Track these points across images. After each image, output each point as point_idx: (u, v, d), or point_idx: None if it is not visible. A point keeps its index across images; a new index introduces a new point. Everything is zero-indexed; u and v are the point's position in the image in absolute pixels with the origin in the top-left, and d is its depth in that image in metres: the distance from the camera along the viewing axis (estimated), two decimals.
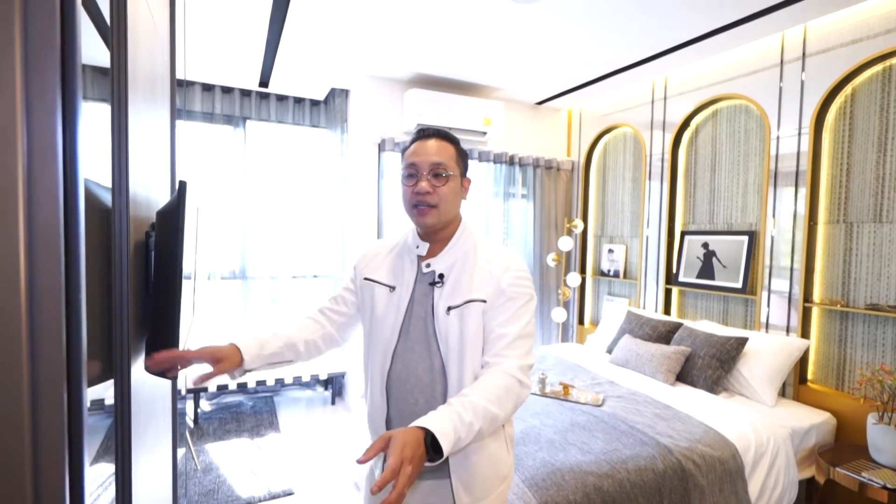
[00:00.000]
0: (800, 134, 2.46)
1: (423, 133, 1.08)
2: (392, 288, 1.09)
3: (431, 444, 0.80)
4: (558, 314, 3.74)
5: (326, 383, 3.74)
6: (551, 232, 3.90)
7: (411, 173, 1.05)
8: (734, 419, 2.09)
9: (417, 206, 1.04)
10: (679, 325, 2.83)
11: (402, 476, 0.73)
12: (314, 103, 3.75)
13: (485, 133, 3.47)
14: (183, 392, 3.20)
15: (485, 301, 1.01)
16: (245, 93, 3.51)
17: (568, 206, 4.02)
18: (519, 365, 0.97)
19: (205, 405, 3.48)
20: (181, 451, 2.74)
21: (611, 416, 2.08)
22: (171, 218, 0.97)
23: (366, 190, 3.30)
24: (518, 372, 0.97)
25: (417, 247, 1.12)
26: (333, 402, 3.60)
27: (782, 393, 2.50)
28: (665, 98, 3.21)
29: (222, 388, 3.45)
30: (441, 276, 1.06)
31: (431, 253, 1.10)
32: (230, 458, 2.73)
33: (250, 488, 2.41)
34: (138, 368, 0.96)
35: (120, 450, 0.90)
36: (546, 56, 2.89)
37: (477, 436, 0.89)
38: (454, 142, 1.08)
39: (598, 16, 2.36)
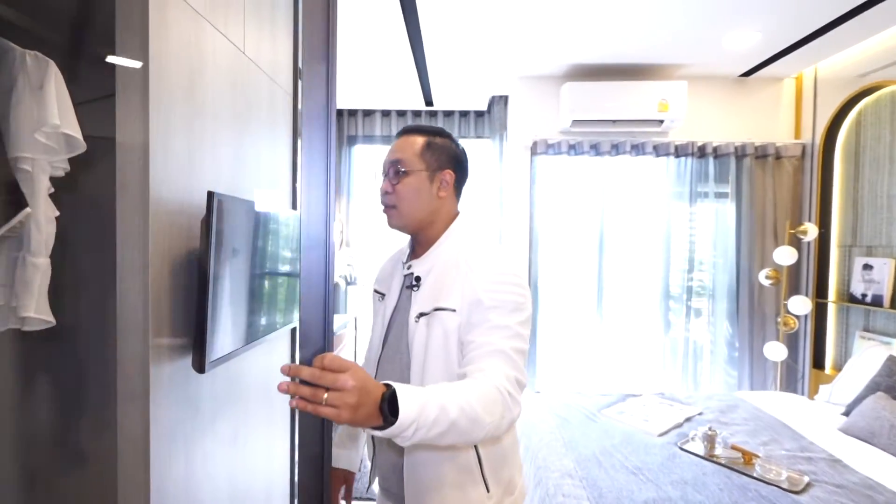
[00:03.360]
0: None
1: (399, 132, 1.02)
2: (382, 295, 1.06)
3: (389, 406, 0.63)
4: (774, 350, 2.78)
5: None
6: (766, 240, 2.95)
7: (380, 173, 1.02)
8: None
9: (383, 207, 0.99)
10: None
11: (333, 394, 0.57)
12: (478, 114, 3.79)
13: (661, 121, 2.87)
14: None
15: (454, 311, 0.89)
16: (416, 113, 3.80)
17: (795, 206, 2.98)
18: (507, 376, 0.79)
19: None
20: None
21: None
22: (204, 227, 1.07)
23: (518, 199, 3.14)
24: (506, 383, 0.78)
25: (403, 253, 1.07)
26: None
27: None
28: None
29: None
30: (418, 278, 0.98)
31: (416, 256, 1.02)
32: None
33: None
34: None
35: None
36: (751, 5, 2.19)
37: (450, 428, 0.67)
38: (426, 133, 0.99)
39: None
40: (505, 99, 3.48)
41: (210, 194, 1.06)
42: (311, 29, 0.68)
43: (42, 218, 0.88)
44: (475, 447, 0.91)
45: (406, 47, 2.64)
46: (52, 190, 0.92)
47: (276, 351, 1.71)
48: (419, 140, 0.97)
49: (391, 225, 0.99)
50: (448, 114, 3.80)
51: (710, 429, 1.84)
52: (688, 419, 2.11)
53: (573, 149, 2.98)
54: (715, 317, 3.02)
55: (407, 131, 1.00)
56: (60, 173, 0.93)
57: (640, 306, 3.06)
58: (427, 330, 0.91)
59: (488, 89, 3.38)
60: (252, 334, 1.33)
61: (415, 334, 0.92)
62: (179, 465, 1.12)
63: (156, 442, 1.03)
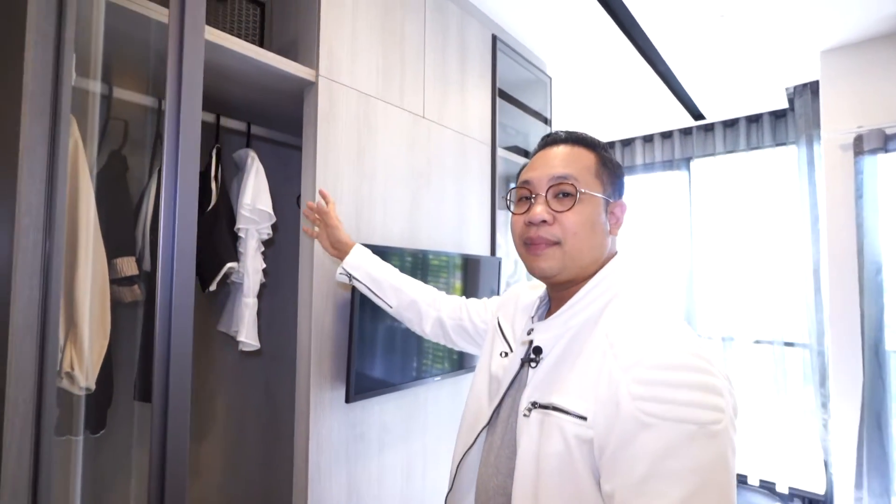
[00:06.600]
0: None
1: (549, 139, 0.76)
2: (507, 352, 0.80)
3: None
4: None
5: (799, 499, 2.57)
6: None
7: (523, 195, 0.74)
8: None
9: (529, 243, 0.71)
10: None
11: None
12: (777, 116, 2.87)
13: None
14: None
15: (584, 419, 0.58)
16: (685, 132, 3.22)
17: None
18: None
19: None
20: None
21: None
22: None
23: (838, 219, 2.15)
24: None
25: (540, 302, 0.81)
26: None
27: None
28: None
29: None
30: (538, 350, 0.70)
31: (550, 312, 0.75)
32: None
33: None
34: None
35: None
36: None
37: None
38: (593, 146, 0.72)
39: None
40: (812, 86, 2.52)
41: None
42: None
43: (251, 269, 1.25)
44: None
45: (641, 63, 2.32)
46: (263, 248, 1.29)
47: (462, 392, 1.74)
48: (589, 155, 0.71)
49: (543, 269, 0.69)
50: (730, 124, 3.04)
51: None
52: None
53: None
54: None
55: (571, 141, 0.73)
56: (265, 236, 1.29)
57: None
58: (539, 434, 0.62)
59: (784, 78, 2.53)
60: (420, 374, 1.42)
61: (523, 434, 0.64)
62: (340, 479, 1.29)
63: (315, 453, 1.22)
